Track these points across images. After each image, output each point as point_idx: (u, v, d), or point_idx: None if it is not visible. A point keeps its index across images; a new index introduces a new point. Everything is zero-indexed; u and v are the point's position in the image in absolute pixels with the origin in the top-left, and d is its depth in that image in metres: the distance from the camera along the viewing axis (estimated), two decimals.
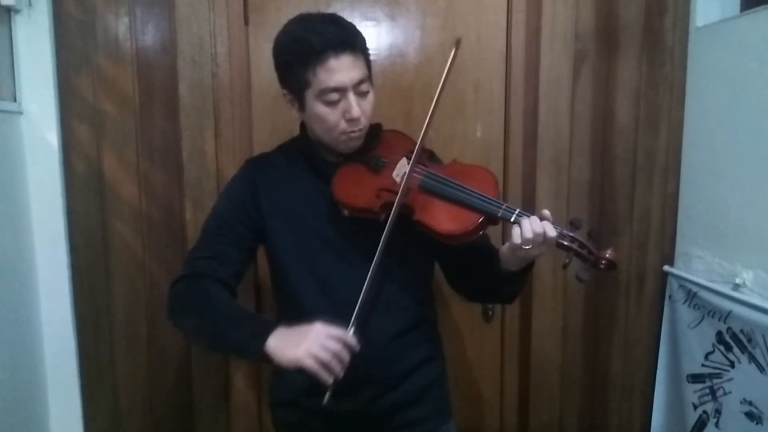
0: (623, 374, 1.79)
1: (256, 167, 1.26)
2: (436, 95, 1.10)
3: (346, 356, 1.01)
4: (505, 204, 1.09)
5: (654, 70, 1.68)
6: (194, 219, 1.63)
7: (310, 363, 0.97)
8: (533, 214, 1.09)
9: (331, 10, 1.56)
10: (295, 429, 1.27)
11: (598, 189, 1.72)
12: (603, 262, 1.05)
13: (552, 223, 1.06)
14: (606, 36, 1.66)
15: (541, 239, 1.04)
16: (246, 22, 1.59)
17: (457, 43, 1.11)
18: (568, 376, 1.78)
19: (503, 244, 1.15)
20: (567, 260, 1.08)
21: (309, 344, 0.98)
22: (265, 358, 1.01)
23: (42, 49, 1.52)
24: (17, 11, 1.49)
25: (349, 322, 1.05)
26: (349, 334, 1.03)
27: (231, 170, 1.60)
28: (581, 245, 1.06)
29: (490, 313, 1.73)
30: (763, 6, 1.39)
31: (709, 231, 1.58)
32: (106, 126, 1.59)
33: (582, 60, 1.67)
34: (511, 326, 1.75)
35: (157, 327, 1.66)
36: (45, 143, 1.54)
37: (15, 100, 1.52)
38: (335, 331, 1.01)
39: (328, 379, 0.99)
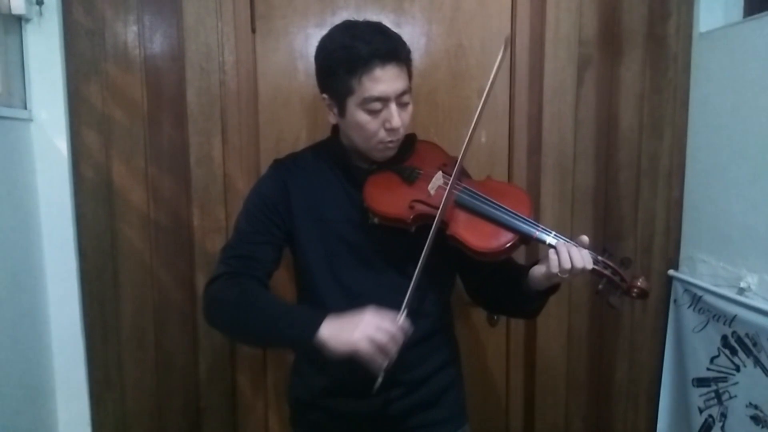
0: (628, 378, 1.79)
1: (286, 169, 1.25)
2: (483, 99, 1.10)
3: (400, 339, 1.02)
4: (541, 225, 1.10)
5: (657, 75, 1.69)
6: (201, 224, 1.64)
7: (366, 346, 0.98)
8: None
9: (337, 18, 1.58)
10: (313, 429, 1.28)
11: (602, 194, 1.72)
12: (635, 290, 1.07)
13: (589, 250, 1.07)
14: (609, 42, 1.67)
15: (580, 270, 1.05)
16: (253, 31, 1.61)
17: (507, 42, 1.10)
18: (574, 380, 1.78)
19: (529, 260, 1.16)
20: (600, 286, 1.09)
21: (365, 327, 1.00)
22: (318, 348, 1.01)
23: (52, 57, 1.53)
24: (28, 20, 1.51)
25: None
26: (401, 318, 1.04)
27: (238, 176, 1.62)
28: (614, 272, 1.07)
29: (495, 317, 1.73)
30: (767, 11, 1.40)
31: (714, 235, 1.59)
32: (114, 133, 1.60)
33: (585, 66, 1.68)
34: (517, 330, 1.75)
35: (164, 331, 1.67)
36: (54, 150, 1.56)
37: (25, 108, 1.53)
38: (388, 315, 1.03)
39: (383, 363, 1.00)
